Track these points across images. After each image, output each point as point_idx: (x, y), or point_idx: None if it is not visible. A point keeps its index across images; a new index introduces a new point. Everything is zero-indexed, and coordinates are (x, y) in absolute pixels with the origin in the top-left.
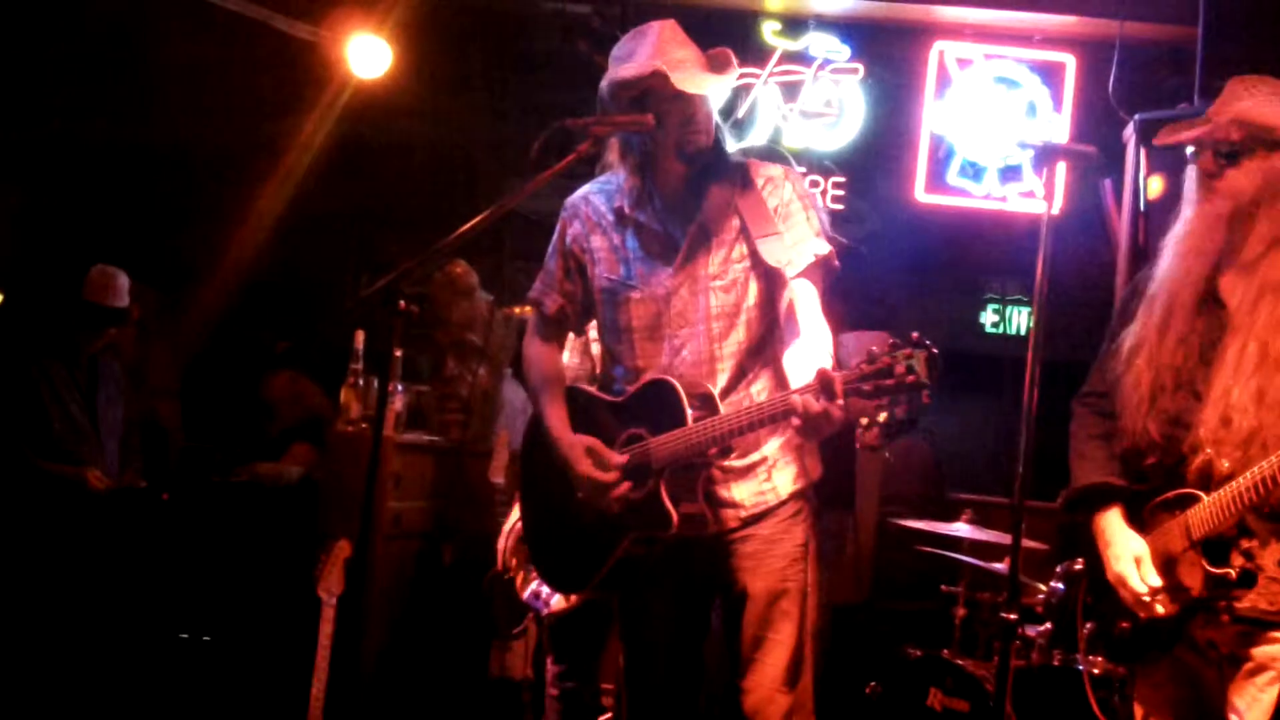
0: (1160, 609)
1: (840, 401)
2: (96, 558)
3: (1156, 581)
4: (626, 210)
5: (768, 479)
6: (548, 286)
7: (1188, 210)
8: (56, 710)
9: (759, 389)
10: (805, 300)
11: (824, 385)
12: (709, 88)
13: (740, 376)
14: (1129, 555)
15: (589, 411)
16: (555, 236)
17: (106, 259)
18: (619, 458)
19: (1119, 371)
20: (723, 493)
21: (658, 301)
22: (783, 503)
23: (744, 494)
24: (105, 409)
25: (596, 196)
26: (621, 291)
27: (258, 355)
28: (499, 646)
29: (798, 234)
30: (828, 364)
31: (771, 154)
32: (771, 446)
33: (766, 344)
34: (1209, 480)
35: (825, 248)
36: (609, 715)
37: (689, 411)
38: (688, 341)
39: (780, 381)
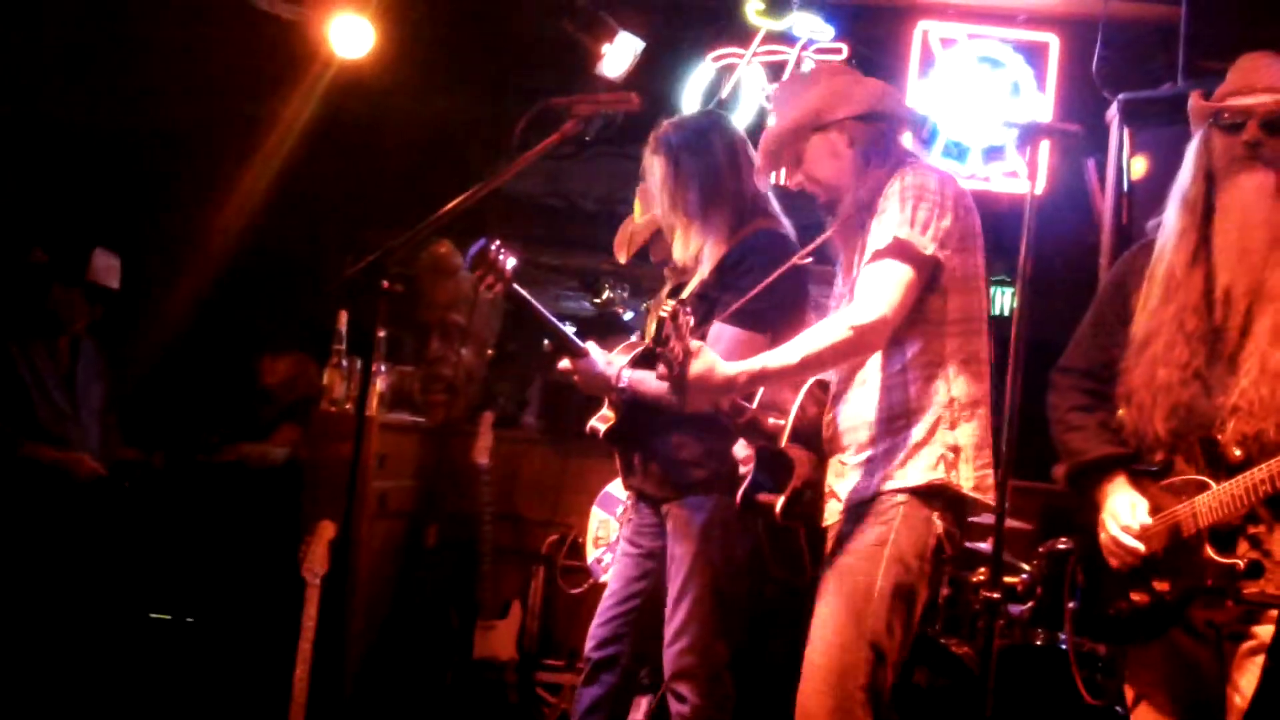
0: (1131, 548)
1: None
2: (80, 538)
3: (1147, 519)
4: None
5: (861, 478)
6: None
7: (1225, 181)
8: (40, 692)
9: (860, 393)
10: (860, 283)
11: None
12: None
13: (849, 381)
14: (1127, 506)
15: None
16: None
17: (86, 240)
18: None
19: (1128, 364)
20: (834, 486)
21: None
22: (866, 500)
23: (842, 489)
24: (85, 388)
25: None
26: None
27: (246, 337)
28: (483, 627)
29: (882, 223)
30: (783, 353)
31: None
32: (880, 448)
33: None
34: (1220, 464)
35: (888, 236)
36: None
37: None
38: None
39: (885, 389)
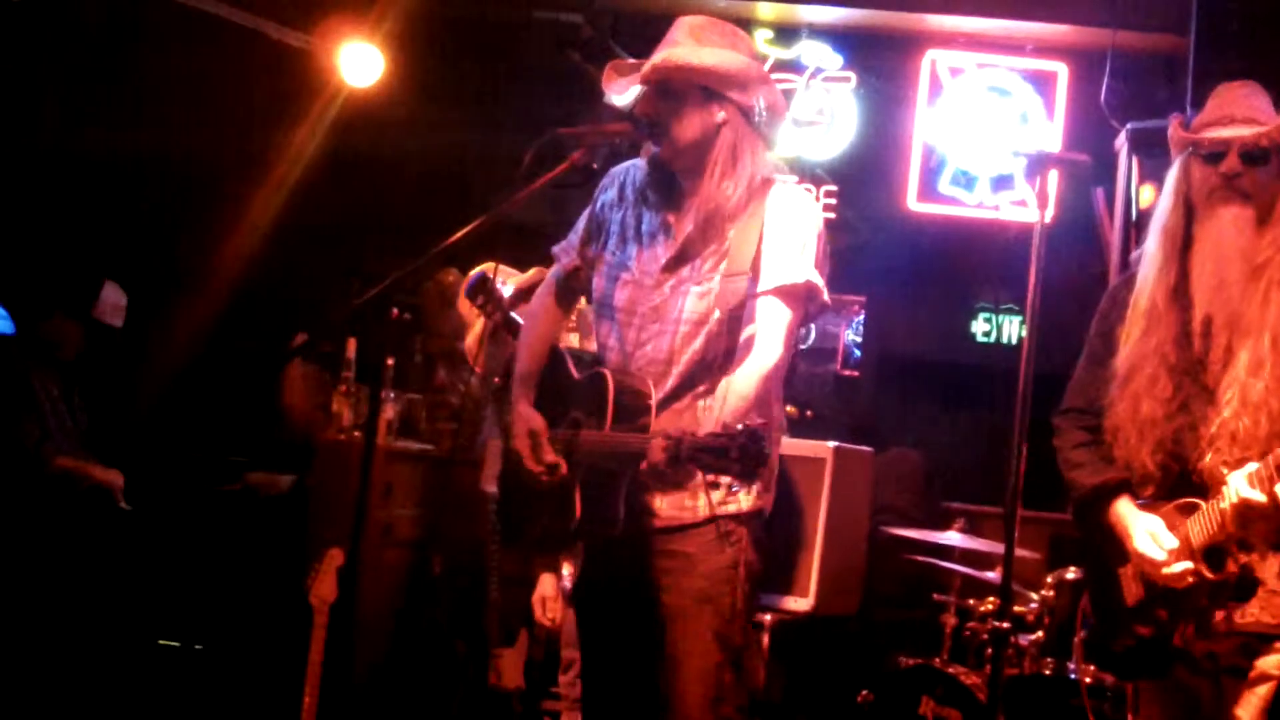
0: (1183, 570)
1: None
2: (87, 564)
3: (1174, 542)
4: (645, 193)
5: (692, 498)
6: (569, 245)
7: (1204, 213)
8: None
9: (705, 405)
10: (765, 319)
11: (675, 442)
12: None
13: (688, 387)
14: (1144, 531)
15: (556, 379)
16: (593, 199)
17: (95, 268)
18: (549, 455)
19: (1113, 398)
20: (645, 498)
21: (644, 290)
22: (700, 523)
23: (663, 504)
24: (77, 416)
25: (640, 169)
26: (617, 270)
27: (259, 361)
28: (491, 656)
29: (782, 255)
30: (741, 396)
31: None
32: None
33: (727, 360)
34: (1207, 496)
35: (803, 277)
36: None
37: (609, 418)
38: (654, 338)
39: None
